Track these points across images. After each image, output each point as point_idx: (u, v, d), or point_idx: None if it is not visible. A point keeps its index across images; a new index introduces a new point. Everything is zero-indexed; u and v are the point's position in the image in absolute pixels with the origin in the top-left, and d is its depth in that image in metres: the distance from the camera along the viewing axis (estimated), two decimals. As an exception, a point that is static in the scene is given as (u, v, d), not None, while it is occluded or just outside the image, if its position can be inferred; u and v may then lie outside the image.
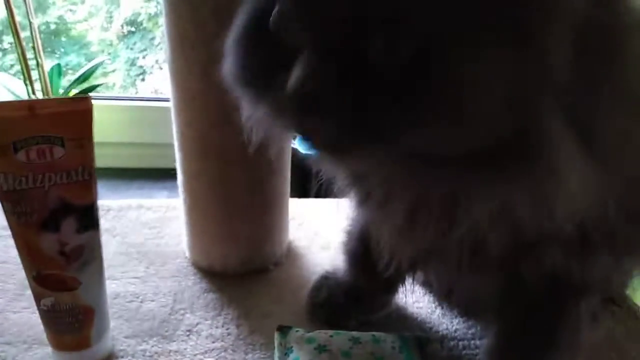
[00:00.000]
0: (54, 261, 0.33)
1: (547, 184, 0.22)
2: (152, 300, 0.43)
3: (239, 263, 0.45)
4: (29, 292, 0.43)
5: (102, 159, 0.91)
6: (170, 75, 0.41)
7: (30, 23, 0.73)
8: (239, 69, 0.26)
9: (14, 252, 0.47)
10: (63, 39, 1.99)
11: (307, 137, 0.24)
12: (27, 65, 0.74)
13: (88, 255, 0.34)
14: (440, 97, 0.21)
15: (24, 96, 0.76)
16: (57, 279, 0.33)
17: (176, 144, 0.43)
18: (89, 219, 0.33)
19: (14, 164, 0.30)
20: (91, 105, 0.31)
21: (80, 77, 0.77)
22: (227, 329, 0.40)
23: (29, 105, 0.30)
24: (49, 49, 1.93)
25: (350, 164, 0.29)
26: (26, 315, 0.40)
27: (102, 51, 1.99)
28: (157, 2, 1.84)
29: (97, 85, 0.77)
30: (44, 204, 0.31)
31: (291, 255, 0.49)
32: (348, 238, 0.41)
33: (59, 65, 0.78)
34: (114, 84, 1.76)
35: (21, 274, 0.45)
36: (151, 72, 1.91)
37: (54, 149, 0.31)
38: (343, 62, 0.21)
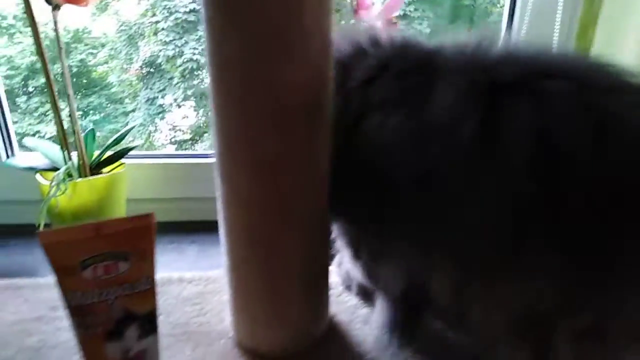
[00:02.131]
0: (116, 369, 0.34)
1: None
2: (202, 388, 0.43)
3: (285, 344, 0.46)
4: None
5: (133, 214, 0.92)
6: (219, 169, 0.42)
7: (69, 96, 0.77)
8: None
9: (65, 336, 0.48)
10: (84, 81, 2.07)
11: None
12: (64, 133, 0.77)
13: (149, 359, 0.35)
14: None
15: (60, 161, 0.79)
16: (118, 385, 0.34)
17: (224, 230, 0.45)
18: (150, 324, 0.34)
19: (81, 282, 0.31)
20: (154, 220, 0.33)
21: (113, 141, 0.80)
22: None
23: (96, 227, 0.31)
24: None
25: None
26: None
27: (122, 91, 2.06)
28: (175, 45, 1.91)
29: (131, 148, 0.80)
30: (109, 316, 0.32)
31: (333, 332, 0.49)
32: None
33: (92, 130, 0.81)
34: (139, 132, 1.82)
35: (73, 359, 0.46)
36: (170, 111, 1.97)
37: (119, 263, 0.32)
38: None
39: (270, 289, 0.44)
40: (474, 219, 0.32)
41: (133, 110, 1.96)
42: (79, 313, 0.32)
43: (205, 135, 1.98)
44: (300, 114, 0.39)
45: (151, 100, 1.98)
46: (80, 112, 1.91)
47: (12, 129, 0.89)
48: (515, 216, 0.31)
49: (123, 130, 0.83)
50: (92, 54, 2.02)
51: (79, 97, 1.98)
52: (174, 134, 2.06)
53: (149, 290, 0.33)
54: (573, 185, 0.29)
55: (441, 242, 0.35)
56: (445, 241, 0.35)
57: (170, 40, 2.00)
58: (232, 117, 0.39)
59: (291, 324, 0.46)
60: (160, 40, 1.97)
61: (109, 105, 2.10)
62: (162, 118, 1.96)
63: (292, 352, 0.46)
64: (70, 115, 0.77)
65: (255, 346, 0.46)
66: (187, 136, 1.98)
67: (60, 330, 0.49)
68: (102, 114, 2.09)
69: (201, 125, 2.02)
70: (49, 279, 0.56)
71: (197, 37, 1.94)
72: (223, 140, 0.41)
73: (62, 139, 0.75)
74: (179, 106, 2.01)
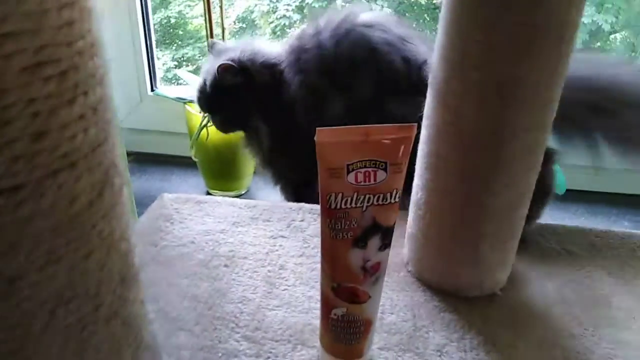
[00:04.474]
0: (354, 275, 0.34)
1: None
2: (392, 313, 0.44)
3: (471, 286, 0.45)
4: (276, 290, 0.46)
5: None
6: (435, 93, 0.41)
7: (223, 29, 0.79)
8: None
9: (251, 249, 0.51)
10: (180, 32, 2.13)
11: None
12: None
13: (381, 271, 0.35)
14: None
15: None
16: (352, 292, 0.35)
17: (423, 161, 0.44)
18: (388, 238, 0.35)
19: (344, 185, 0.32)
20: (415, 132, 0.32)
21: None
22: (477, 355, 0.40)
23: (365, 132, 0.32)
24: (168, 41, 2.07)
25: None
26: (280, 314, 0.43)
27: (215, 45, 2.09)
28: (270, 0, 1.91)
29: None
30: (359, 223, 0.33)
31: (514, 279, 0.48)
32: None
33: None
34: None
35: (264, 271, 0.48)
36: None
37: (378, 172, 0.32)
38: None
39: (466, 226, 0.43)
40: None
41: (224, 64, 2.00)
42: (334, 216, 0.33)
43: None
44: (551, 34, 0.36)
45: (241, 56, 2.01)
46: (175, 63, 1.98)
47: (157, 63, 0.93)
48: None
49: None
50: (189, 6, 2.07)
51: (174, 47, 2.04)
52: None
53: (395, 204, 0.33)
54: None
55: None
56: None
57: (267, -5, 2.00)
58: (466, 36, 0.38)
59: (483, 267, 0.45)
60: (257, -7, 1.97)
61: (201, 57, 2.15)
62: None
63: (475, 294, 0.46)
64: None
65: (438, 283, 0.46)
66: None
67: (246, 244, 0.51)
68: (194, 66, 2.14)
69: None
70: (224, 198, 0.59)
71: (291, -8, 1.92)
72: (448, 63, 0.40)
73: (212, 73, 0.77)
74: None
